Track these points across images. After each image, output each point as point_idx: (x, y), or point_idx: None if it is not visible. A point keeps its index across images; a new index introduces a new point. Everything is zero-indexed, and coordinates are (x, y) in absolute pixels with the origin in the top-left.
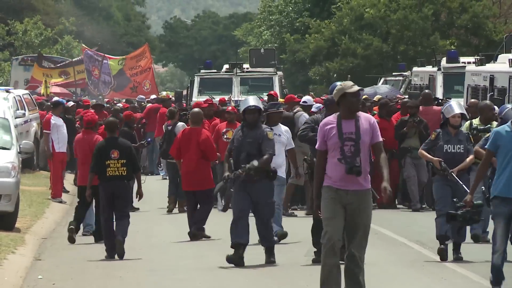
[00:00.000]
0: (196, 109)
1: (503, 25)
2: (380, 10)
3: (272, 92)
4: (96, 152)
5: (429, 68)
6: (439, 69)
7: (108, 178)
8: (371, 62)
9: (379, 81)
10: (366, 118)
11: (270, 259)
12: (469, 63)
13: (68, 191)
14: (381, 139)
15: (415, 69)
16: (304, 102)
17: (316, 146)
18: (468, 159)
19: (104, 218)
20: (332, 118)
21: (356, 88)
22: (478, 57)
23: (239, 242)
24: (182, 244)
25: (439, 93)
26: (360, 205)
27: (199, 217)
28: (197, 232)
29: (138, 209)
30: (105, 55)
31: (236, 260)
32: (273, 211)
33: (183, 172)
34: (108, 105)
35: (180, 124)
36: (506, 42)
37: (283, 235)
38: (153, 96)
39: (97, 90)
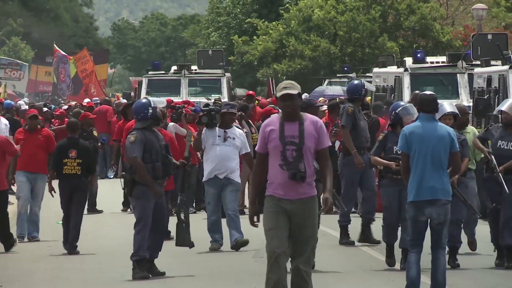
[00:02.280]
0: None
1: (450, 27)
2: (328, 12)
3: (251, 92)
4: (56, 150)
5: (393, 69)
6: (405, 70)
7: (64, 176)
8: (319, 64)
9: (324, 82)
10: (312, 121)
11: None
12: (437, 62)
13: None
14: (328, 144)
15: (376, 70)
16: None
17: (256, 148)
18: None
19: (64, 214)
20: (276, 119)
21: (283, 92)
22: (446, 57)
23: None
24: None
25: (406, 95)
26: (305, 215)
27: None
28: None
29: (102, 211)
30: (68, 56)
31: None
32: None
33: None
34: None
35: (171, 124)
36: (474, 41)
37: (244, 242)
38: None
39: (62, 94)
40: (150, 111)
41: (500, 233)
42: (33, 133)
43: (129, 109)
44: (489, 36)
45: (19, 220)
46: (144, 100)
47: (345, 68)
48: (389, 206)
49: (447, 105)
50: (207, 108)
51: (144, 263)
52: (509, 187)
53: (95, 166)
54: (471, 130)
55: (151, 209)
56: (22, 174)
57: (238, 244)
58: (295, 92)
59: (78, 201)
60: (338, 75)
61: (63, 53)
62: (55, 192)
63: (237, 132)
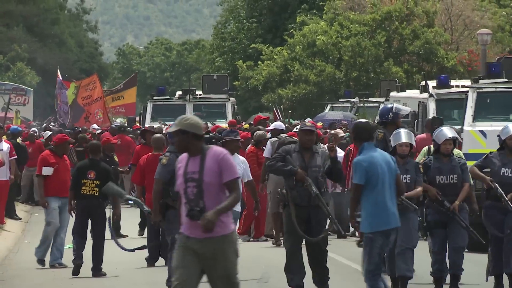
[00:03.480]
0: (158, 135)
1: (455, 52)
2: (332, 37)
3: (263, 116)
4: (75, 171)
5: (416, 94)
6: (430, 96)
7: (82, 196)
8: (324, 89)
9: (326, 108)
10: (214, 155)
11: None
12: (463, 86)
13: (20, 218)
14: (234, 176)
15: (393, 94)
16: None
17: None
18: (417, 190)
19: (78, 234)
20: (185, 155)
21: (172, 128)
22: (471, 81)
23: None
24: (138, 270)
25: None
26: (216, 255)
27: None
28: None
29: (126, 235)
30: (65, 82)
31: None
32: None
33: (149, 197)
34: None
35: None
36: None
37: None
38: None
39: (61, 119)
40: None
41: (505, 262)
42: (62, 157)
43: (148, 134)
44: None
45: (46, 246)
46: None
47: (347, 93)
48: None
49: (447, 130)
50: (208, 136)
51: None
52: (509, 215)
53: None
54: (457, 153)
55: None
56: (56, 200)
57: None
58: (176, 129)
59: (97, 224)
60: (340, 100)
61: (61, 79)
62: (74, 212)
63: (240, 159)
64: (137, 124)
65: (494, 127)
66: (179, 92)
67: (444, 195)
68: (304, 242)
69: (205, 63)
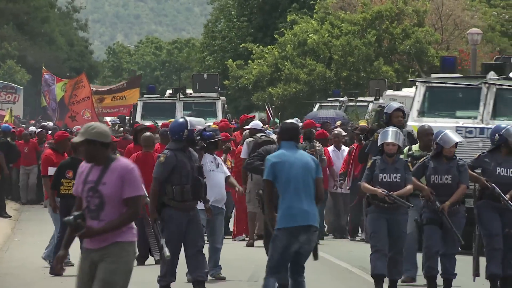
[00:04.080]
0: (147, 133)
1: (445, 51)
2: (324, 36)
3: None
4: (57, 169)
5: (412, 93)
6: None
7: (61, 195)
8: (314, 88)
9: (315, 106)
10: (120, 168)
11: None
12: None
13: (10, 216)
14: (136, 193)
15: (389, 92)
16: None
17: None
18: (407, 188)
19: (60, 232)
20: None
21: (77, 138)
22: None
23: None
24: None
25: None
26: (104, 258)
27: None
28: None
29: None
30: (56, 77)
31: None
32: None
33: None
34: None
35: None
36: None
37: (220, 278)
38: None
39: (50, 118)
40: (186, 133)
41: (502, 263)
42: (64, 155)
43: (140, 133)
44: None
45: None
46: (181, 120)
47: (336, 92)
48: (377, 233)
49: (452, 135)
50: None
51: None
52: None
53: None
54: (416, 150)
55: (180, 233)
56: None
57: (216, 278)
58: (82, 138)
59: None
60: (328, 99)
61: (51, 75)
62: (59, 209)
63: (218, 158)
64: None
65: (439, 123)
66: (169, 91)
67: (437, 195)
68: None
69: (195, 62)
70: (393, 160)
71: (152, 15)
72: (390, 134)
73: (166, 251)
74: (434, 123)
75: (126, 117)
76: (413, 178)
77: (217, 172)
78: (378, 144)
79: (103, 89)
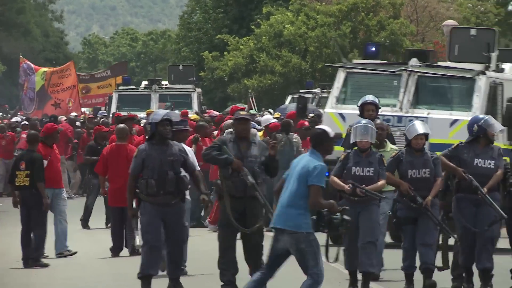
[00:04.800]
0: (121, 125)
1: (421, 43)
2: (299, 28)
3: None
4: (13, 162)
5: None
6: None
7: (17, 188)
8: (290, 80)
9: (287, 98)
10: None
11: None
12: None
13: None
14: None
15: None
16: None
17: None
18: (378, 183)
19: (22, 228)
20: None
21: None
22: None
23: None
24: (102, 261)
25: None
26: None
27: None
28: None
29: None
30: (35, 66)
31: None
32: (188, 234)
33: (111, 189)
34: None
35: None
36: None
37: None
38: (73, 114)
39: (25, 108)
40: (148, 127)
41: (477, 256)
42: (53, 148)
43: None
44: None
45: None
46: (159, 111)
47: (309, 83)
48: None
49: (418, 125)
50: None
51: (148, 280)
52: (484, 207)
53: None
54: (391, 149)
55: (157, 226)
56: (49, 191)
57: None
58: None
59: (34, 214)
60: (301, 90)
61: (29, 64)
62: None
63: (187, 149)
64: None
65: (356, 110)
66: (145, 82)
67: (416, 190)
68: (240, 236)
69: (171, 53)
70: (367, 153)
71: (128, 6)
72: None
73: (137, 241)
74: (353, 110)
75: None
76: (388, 173)
77: None
78: (351, 142)
79: (85, 77)
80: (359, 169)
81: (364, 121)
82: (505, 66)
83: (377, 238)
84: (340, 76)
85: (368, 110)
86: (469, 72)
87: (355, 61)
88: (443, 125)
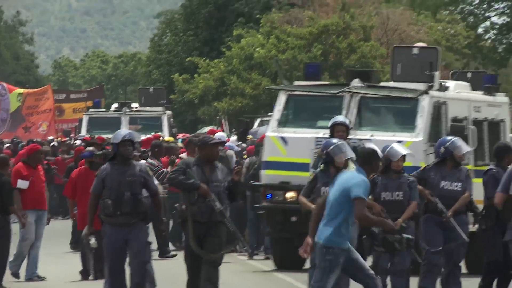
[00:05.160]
0: (90, 148)
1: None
2: (270, 51)
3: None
4: None
5: None
6: None
7: None
8: (260, 102)
9: (255, 122)
10: None
11: None
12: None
13: None
14: None
15: None
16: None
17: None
18: None
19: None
20: None
21: None
22: None
23: None
24: (72, 284)
25: None
26: None
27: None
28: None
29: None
30: (9, 86)
31: None
32: (150, 254)
33: (79, 212)
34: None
35: (142, 162)
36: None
37: None
38: (50, 137)
39: None
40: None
41: (444, 281)
42: (36, 168)
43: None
44: (469, 74)
45: (20, 261)
46: (120, 132)
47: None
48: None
49: (399, 147)
50: (102, 151)
51: None
52: (450, 229)
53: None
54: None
55: (114, 248)
56: (32, 213)
57: None
58: None
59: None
60: (269, 113)
61: (4, 84)
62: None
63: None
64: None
65: (298, 134)
66: (115, 105)
67: (388, 212)
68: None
69: (141, 76)
70: (335, 173)
71: (98, 29)
72: (343, 147)
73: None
74: (294, 133)
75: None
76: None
77: None
78: (336, 158)
79: (60, 96)
80: (328, 190)
81: (335, 140)
82: (449, 84)
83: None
84: (281, 98)
85: (338, 131)
86: (412, 92)
87: (296, 83)
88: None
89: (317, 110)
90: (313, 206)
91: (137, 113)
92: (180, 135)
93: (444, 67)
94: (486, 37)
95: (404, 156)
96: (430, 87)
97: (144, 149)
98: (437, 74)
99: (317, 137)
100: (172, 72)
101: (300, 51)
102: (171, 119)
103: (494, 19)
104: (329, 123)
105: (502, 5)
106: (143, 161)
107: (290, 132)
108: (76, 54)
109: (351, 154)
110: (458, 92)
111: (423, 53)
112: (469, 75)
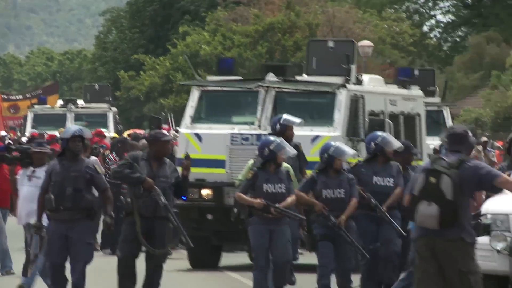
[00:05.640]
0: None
1: None
2: (215, 48)
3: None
4: None
5: None
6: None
7: None
8: None
9: None
10: None
11: None
12: None
13: None
14: None
15: None
16: None
17: None
18: (289, 200)
19: None
20: None
21: None
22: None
23: None
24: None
25: None
26: None
27: None
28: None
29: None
30: None
31: None
32: (92, 254)
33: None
34: None
35: (93, 158)
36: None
37: None
38: (3, 133)
39: None
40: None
41: (382, 272)
42: (0, 167)
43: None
44: (416, 72)
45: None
46: (71, 128)
47: None
48: (260, 248)
49: (345, 147)
50: (17, 147)
51: None
52: (384, 225)
53: None
54: (285, 167)
55: (54, 243)
56: None
57: None
58: None
59: None
60: None
61: None
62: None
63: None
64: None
65: (213, 130)
66: (60, 102)
67: (330, 210)
68: (144, 256)
69: (87, 73)
70: (274, 169)
71: (43, 26)
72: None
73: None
74: (209, 129)
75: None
76: (302, 194)
77: (28, 186)
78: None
79: (18, 98)
80: (270, 186)
81: (273, 137)
82: (364, 77)
83: (290, 259)
84: (194, 94)
85: (290, 129)
86: (329, 86)
87: (209, 77)
88: (305, 141)
89: (231, 105)
90: (256, 200)
91: (83, 109)
92: (128, 132)
93: (389, 65)
94: (431, 35)
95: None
96: (347, 81)
97: (97, 145)
98: (353, 67)
99: (232, 133)
100: (117, 69)
101: (246, 49)
102: (117, 116)
103: (439, 17)
104: (282, 120)
105: (447, 4)
106: (93, 158)
107: (204, 129)
108: (21, 51)
109: (292, 151)
110: (374, 86)
111: (339, 46)
112: (416, 72)
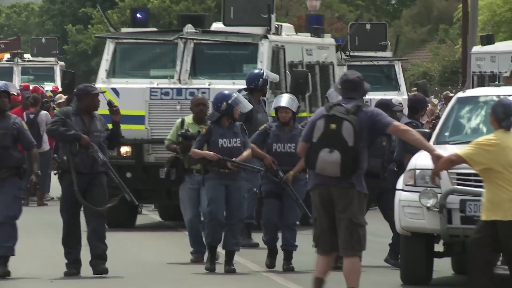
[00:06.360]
0: None
1: (284, 17)
2: (164, 1)
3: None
4: None
5: None
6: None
7: None
8: None
9: None
10: None
11: None
12: None
13: None
14: None
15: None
16: None
17: None
18: (245, 154)
19: None
20: None
21: None
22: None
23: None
24: None
25: None
26: None
27: None
28: None
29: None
30: None
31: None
32: (20, 208)
33: None
34: None
35: (44, 112)
36: (352, 32)
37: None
38: None
39: None
40: None
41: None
42: None
43: None
44: (368, 26)
45: None
46: None
47: None
48: (215, 201)
49: (283, 98)
50: None
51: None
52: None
53: None
54: None
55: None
56: None
57: None
58: None
59: None
60: None
61: None
62: None
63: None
64: None
65: (131, 84)
66: (7, 55)
67: (280, 165)
68: (83, 214)
69: (34, 26)
70: (231, 125)
71: None
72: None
73: None
74: (126, 84)
75: None
76: (253, 146)
77: None
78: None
79: None
80: (225, 141)
81: (227, 91)
82: (283, 27)
83: (244, 215)
84: (109, 47)
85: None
86: (251, 37)
87: (123, 30)
88: None
89: (149, 59)
90: (210, 153)
91: (29, 63)
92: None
93: (337, 19)
94: None
95: (292, 110)
96: (268, 31)
97: (48, 100)
98: (273, 17)
99: (151, 87)
100: (65, 23)
101: (194, 3)
102: (64, 70)
103: None
104: (264, 77)
105: None
106: (44, 112)
107: (121, 83)
108: None
109: (249, 106)
110: (289, 35)
111: None
112: (368, 26)
